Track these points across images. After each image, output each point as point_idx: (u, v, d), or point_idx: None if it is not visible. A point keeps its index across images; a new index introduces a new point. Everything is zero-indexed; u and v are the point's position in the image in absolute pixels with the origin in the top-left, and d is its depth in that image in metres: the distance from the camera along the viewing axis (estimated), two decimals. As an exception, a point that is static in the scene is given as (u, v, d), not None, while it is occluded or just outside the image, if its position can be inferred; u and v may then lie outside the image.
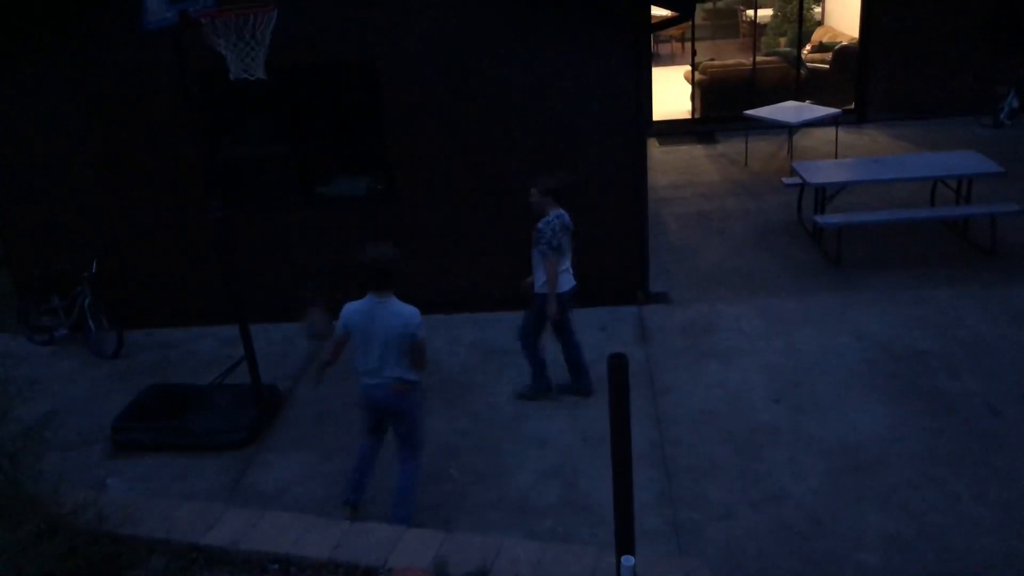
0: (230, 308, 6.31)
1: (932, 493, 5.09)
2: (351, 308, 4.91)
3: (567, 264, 5.98)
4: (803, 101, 11.81)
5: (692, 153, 11.71)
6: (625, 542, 3.34)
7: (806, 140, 11.59)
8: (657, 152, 11.79)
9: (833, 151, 11.00)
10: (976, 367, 6.29)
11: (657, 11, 7.36)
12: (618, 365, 3.39)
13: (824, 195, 8.53)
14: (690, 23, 12.93)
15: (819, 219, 8.24)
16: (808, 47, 13.43)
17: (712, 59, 13.35)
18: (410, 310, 4.82)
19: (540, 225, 5.81)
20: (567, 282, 5.99)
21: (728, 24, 16.24)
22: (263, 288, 7.52)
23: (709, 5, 16.02)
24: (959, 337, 6.71)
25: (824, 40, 13.55)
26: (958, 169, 8.49)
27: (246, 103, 7.37)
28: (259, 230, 7.58)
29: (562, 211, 5.88)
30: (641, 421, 5.95)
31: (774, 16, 14.51)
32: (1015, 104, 11.62)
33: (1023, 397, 5.90)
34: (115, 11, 6.86)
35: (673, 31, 15.13)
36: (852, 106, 12.32)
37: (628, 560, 3.17)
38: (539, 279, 5.95)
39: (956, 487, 5.12)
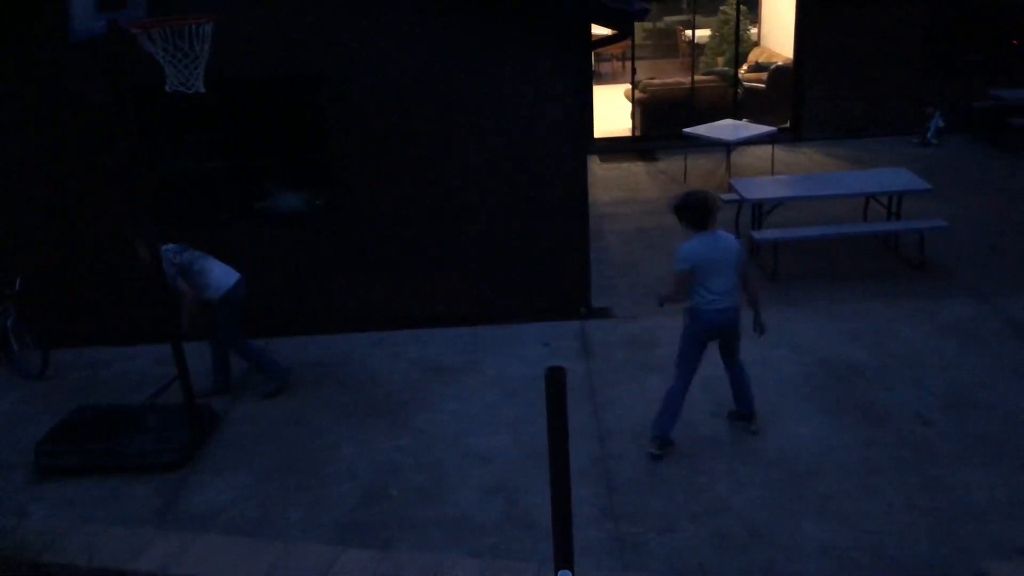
0: (163, 326, 6.13)
1: (867, 502, 5.18)
2: (691, 247, 5.42)
3: None
4: (740, 119, 12.06)
5: (633, 170, 11.86)
6: (564, 557, 3.32)
7: (743, 158, 11.82)
8: (599, 169, 11.90)
9: (770, 168, 11.25)
10: (908, 378, 6.44)
11: (598, 29, 7.44)
12: (555, 379, 3.37)
13: (761, 211, 8.69)
14: (630, 42, 13.17)
15: (756, 235, 8.40)
16: (745, 67, 13.73)
17: (652, 78, 13.57)
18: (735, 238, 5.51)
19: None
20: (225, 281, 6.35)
21: (668, 44, 16.53)
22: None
23: (649, 25, 16.30)
24: (891, 349, 6.87)
25: (760, 60, 13.89)
26: (889, 186, 8.75)
27: (185, 116, 7.22)
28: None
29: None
30: (583, 436, 5.95)
31: (712, 36, 14.82)
32: (941, 124, 12.05)
33: (952, 407, 6.05)
34: (45, 24, 6.68)
35: (614, 50, 15.34)
36: (788, 124, 12.63)
37: (565, 575, 3.14)
38: None
39: (890, 495, 5.22)
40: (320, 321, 7.57)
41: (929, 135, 12.05)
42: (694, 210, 5.47)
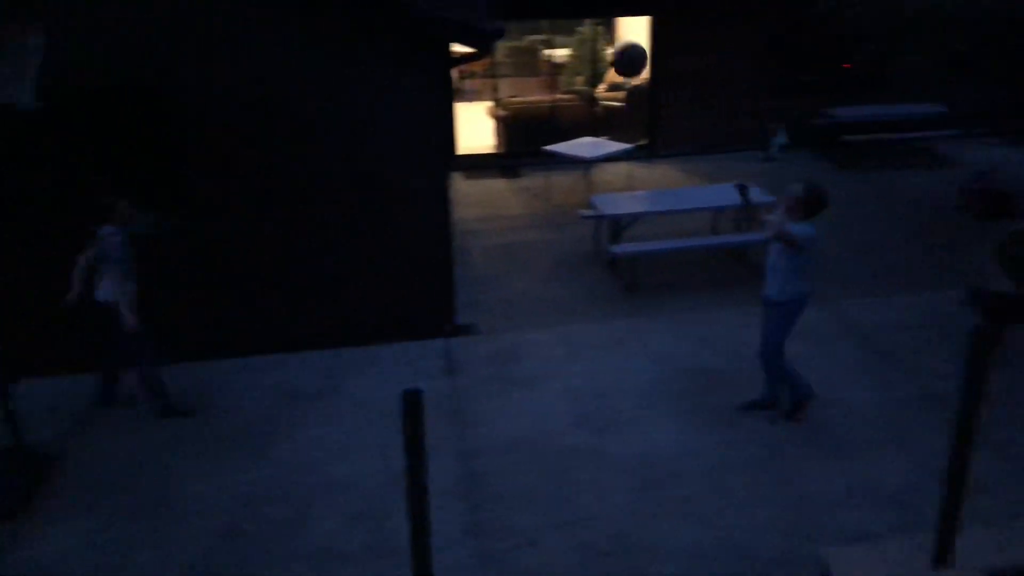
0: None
1: (723, 501, 5.38)
2: (813, 232, 5.71)
3: None
4: (599, 137, 12.40)
5: (497, 187, 11.98)
6: (422, 579, 3.26)
7: (603, 174, 12.14)
8: (463, 186, 11.95)
9: (628, 184, 11.60)
10: (757, 380, 6.73)
11: (459, 47, 7.47)
12: (411, 401, 3.33)
13: (619, 226, 8.94)
14: (492, 60, 13.33)
15: (614, 248, 8.63)
16: (603, 86, 14.15)
17: (514, 95, 13.77)
18: None
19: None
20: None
21: (529, 62, 16.81)
22: (32, 339, 6.82)
23: (511, 43, 16.54)
24: (742, 353, 7.17)
25: (617, 80, 14.34)
26: (735, 200, 9.15)
27: (20, 131, 6.71)
28: (31, 272, 6.89)
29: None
30: (448, 454, 5.92)
31: (572, 55, 15.20)
32: (784, 141, 12.79)
33: (797, 407, 6.38)
34: None
35: (477, 67, 15.47)
36: (645, 142, 13.08)
37: (424, 597, 3.09)
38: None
39: (743, 493, 5.44)
40: (170, 348, 7.19)
41: (773, 151, 12.76)
42: (820, 201, 5.77)
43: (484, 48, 6.88)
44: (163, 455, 6.02)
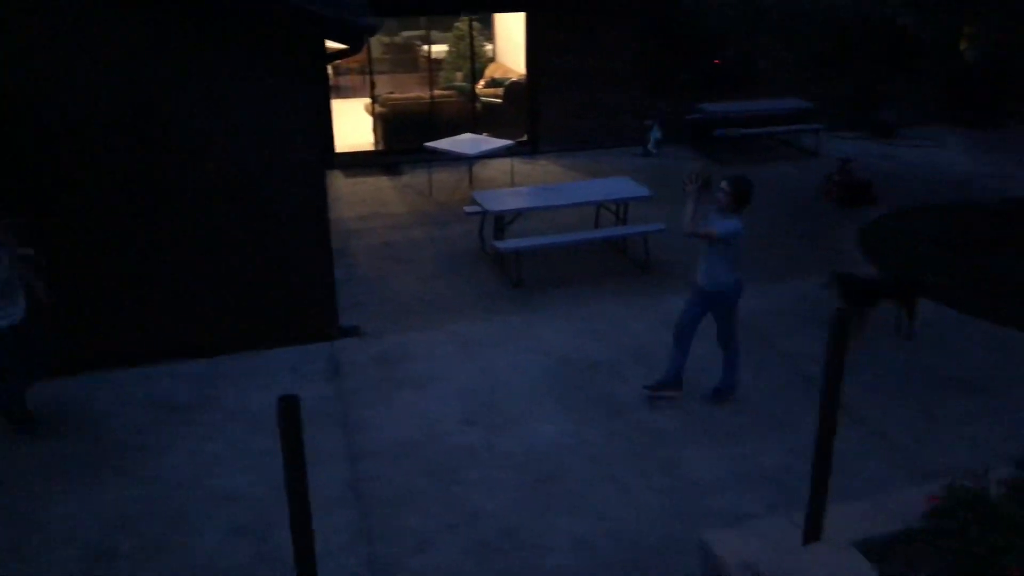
0: None
1: (610, 490, 5.47)
2: (738, 225, 5.96)
3: None
4: (480, 133, 12.41)
5: (378, 185, 11.81)
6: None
7: (485, 170, 12.17)
8: (343, 184, 11.72)
9: (510, 180, 11.66)
10: (640, 370, 6.91)
11: (331, 43, 7.29)
12: (288, 409, 3.21)
13: (502, 222, 8.97)
14: (368, 56, 13.12)
15: (499, 244, 8.65)
16: (482, 82, 14.17)
17: (392, 92, 13.61)
18: None
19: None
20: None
21: (407, 58, 16.69)
22: None
23: (387, 39, 16.36)
24: (625, 344, 7.34)
25: (496, 76, 14.39)
26: (615, 194, 9.38)
27: None
28: None
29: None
30: (336, 460, 5.78)
31: (449, 52, 15.16)
32: (659, 136, 13.15)
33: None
34: None
35: (353, 63, 15.20)
36: (525, 138, 13.18)
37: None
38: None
39: (630, 482, 5.55)
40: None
41: (650, 146, 13.10)
42: (748, 192, 5.98)
43: (356, 44, 6.73)
44: (28, 476, 5.62)
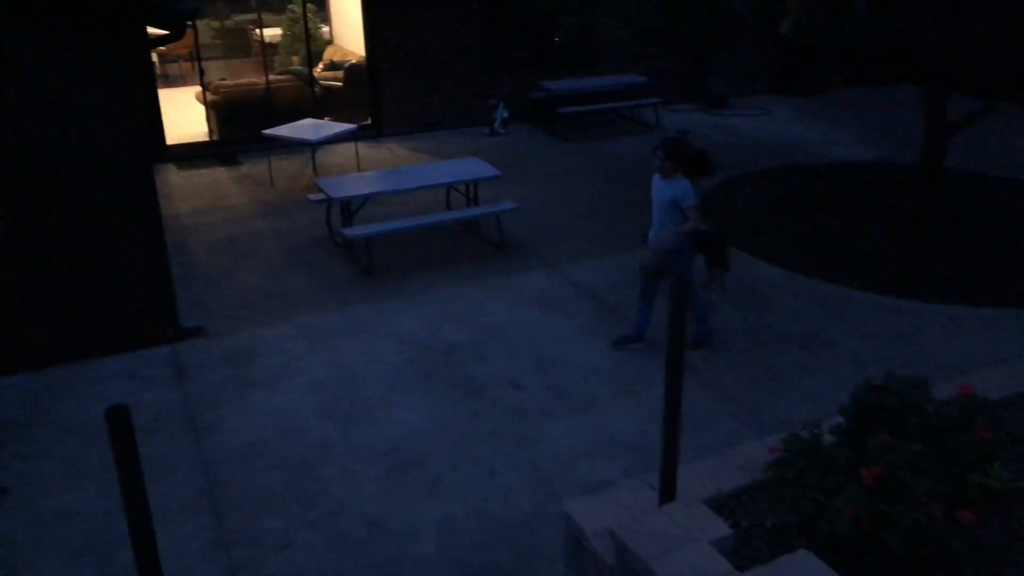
0: None
1: (473, 471, 5.46)
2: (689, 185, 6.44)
3: None
4: (322, 118, 12.05)
5: (215, 176, 11.25)
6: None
7: (329, 156, 11.84)
8: (176, 178, 11.10)
9: (355, 165, 11.40)
10: (499, 349, 6.93)
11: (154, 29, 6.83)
12: (118, 419, 2.98)
13: (350, 209, 8.74)
14: (196, 42, 12.46)
15: (347, 232, 8.43)
16: (320, 65, 13.76)
17: (224, 79, 12.99)
18: None
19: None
20: None
21: (239, 43, 15.99)
22: None
23: (217, 24, 15.61)
24: (483, 325, 7.34)
25: (335, 59, 14.02)
26: (464, 175, 9.33)
27: None
28: None
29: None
30: (185, 467, 5.50)
31: (284, 35, 14.62)
32: (505, 115, 13.21)
33: (539, 369, 6.64)
34: None
35: (180, 50, 14.43)
36: (369, 121, 12.91)
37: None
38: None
39: (493, 461, 5.56)
40: None
41: (496, 125, 13.13)
42: (681, 150, 6.52)
43: (177, 29, 6.35)
44: None
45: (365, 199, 8.84)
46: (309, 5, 13.29)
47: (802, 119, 14.01)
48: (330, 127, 11.26)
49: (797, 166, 11.47)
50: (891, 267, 8.31)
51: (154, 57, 12.76)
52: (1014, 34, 8.81)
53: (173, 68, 15.38)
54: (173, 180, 11.01)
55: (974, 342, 6.89)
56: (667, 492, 3.76)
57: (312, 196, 9.21)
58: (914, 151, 10.07)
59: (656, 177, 6.60)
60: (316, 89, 12.86)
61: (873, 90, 15.67)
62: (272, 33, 14.55)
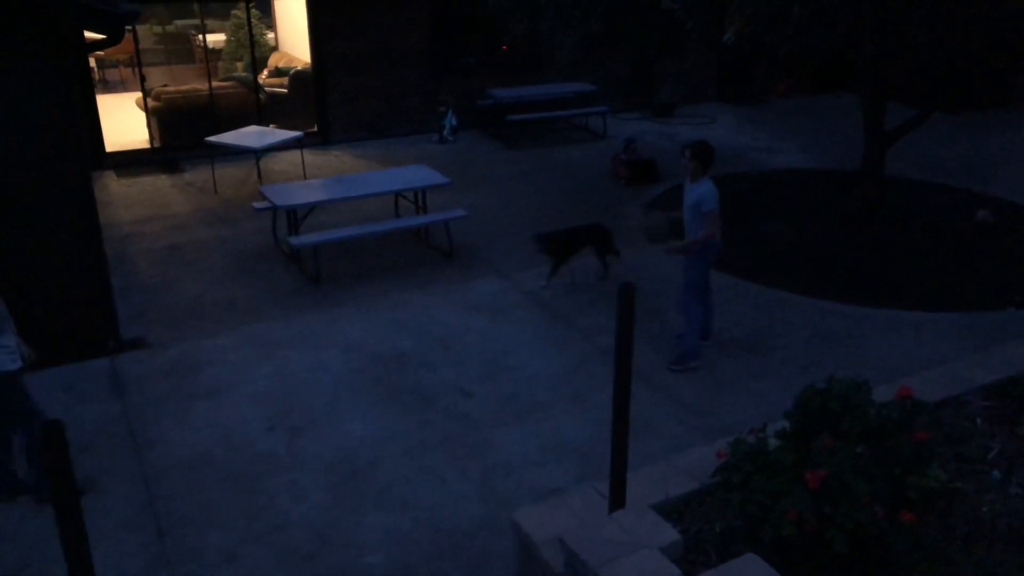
0: None
1: (423, 481, 5.41)
2: (713, 188, 6.32)
3: None
4: (267, 126, 11.88)
5: (157, 184, 11.01)
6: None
7: (275, 164, 11.68)
8: (116, 186, 10.83)
9: (301, 173, 11.26)
10: (448, 357, 6.89)
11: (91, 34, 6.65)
12: (51, 434, 2.88)
13: (296, 217, 8.62)
14: (136, 47, 12.19)
15: (293, 240, 8.31)
16: (265, 72, 13.57)
17: (165, 85, 12.73)
18: None
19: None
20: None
21: (182, 49, 15.71)
22: None
23: (159, 28, 15.32)
24: (432, 333, 7.29)
25: (280, 65, 13.84)
26: (413, 182, 9.28)
27: None
28: None
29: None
30: (127, 482, 5.37)
31: (228, 41, 14.40)
32: (454, 122, 13.18)
33: (488, 377, 6.61)
34: None
35: (119, 55, 14.11)
36: (315, 128, 12.76)
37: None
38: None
39: (443, 470, 5.52)
40: None
41: (445, 132, 13.10)
42: (711, 155, 6.37)
43: (115, 33, 6.19)
44: None
45: (311, 207, 8.72)
46: (254, 11, 13.10)
47: (745, 127, 14.27)
48: (275, 134, 11.11)
49: (741, 173, 11.67)
50: (833, 272, 8.49)
51: (92, 62, 12.43)
52: (948, 43, 9.08)
53: (113, 74, 15.03)
54: (113, 188, 10.74)
55: (913, 345, 7.06)
56: (616, 499, 3.77)
57: (257, 204, 9.05)
58: (854, 158, 10.32)
59: (686, 181, 6.60)
60: (261, 96, 12.67)
61: (814, 98, 16.04)
62: (216, 39, 14.32)
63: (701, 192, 6.36)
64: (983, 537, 3.81)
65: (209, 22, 13.96)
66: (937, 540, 3.76)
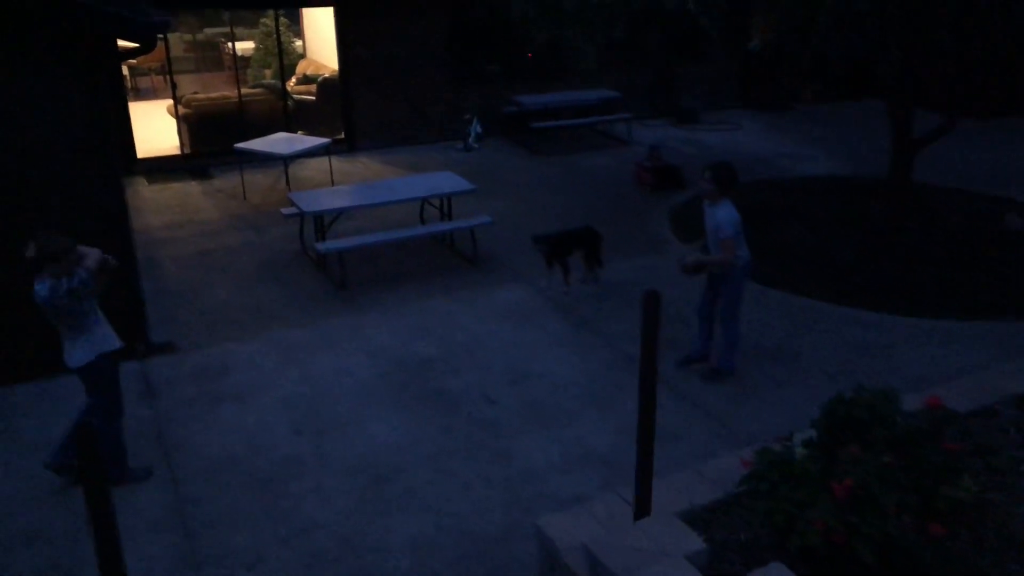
0: None
1: (447, 486, 5.43)
2: (734, 212, 6.19)
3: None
4: (295, 132, 12.00)
5: (187, 190, 11.16)
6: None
7: (302, 170, 11.79)
8: (147, 192, 11.00)
9: (329, 179, 11.36)
10: (472, 363, 6.92)
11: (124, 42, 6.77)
12: (84, 437, 2.94)
13: (323, 223, 8.70)
14: (167, 55, 12.37)
15: (320, 246, 8.39)
16: (294, 79, 13.71)
17: (196, 92, 12.91)
18: None
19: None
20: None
21: (212, 56, 15.91)
22: None
23: (189, 37, 15.53)
24: (457, 339, 7.32)
25: (308, 72, 13.98)
26: (439, 189, 9.33)
27: None
28: None
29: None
30: (155, 483, 5.43)
31: (257, 49, 14.57)
32: (479, 130, 13.24)
33: (512, 383, 6.63)
34: None
35: (151, 64, 14.32)
36: (342, 135, 12.87)
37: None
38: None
39: (467, 476, 5.53)
40: None
41: (471, 140, 13.16)
42: (732, 179, 6.23)
43: (147, 42, 6.29)
44: None
45: (338, 213, 8.80)
46: (282, 19, 13.26)
47: (771, 134, 14.19)
48: (303, 141, 11.22)
49: (767, 180, 11.61)
50: (860, 280, 8.41)
51: (124, 70, 12.64)
52: (974, 50, 9.00)
53: (144, 81, 15.26)
54: (144, 194, 10.90)
55: (942, 354, 6.98)
56: (641, 507, 3.77)
57: (285, 210, 9.16)
58: (881, 165, 10.23)
59: (706, 203, 6.44)
60: (289, 103, 12.81)
61: (841, 105, 15.92)
62: (245, 47, 14.50)
63: (721, 217, 6.25)
64: (1015, 550, 3.76)
65: (238, 30, 14.15)
66: (967, 552, 3.71)
